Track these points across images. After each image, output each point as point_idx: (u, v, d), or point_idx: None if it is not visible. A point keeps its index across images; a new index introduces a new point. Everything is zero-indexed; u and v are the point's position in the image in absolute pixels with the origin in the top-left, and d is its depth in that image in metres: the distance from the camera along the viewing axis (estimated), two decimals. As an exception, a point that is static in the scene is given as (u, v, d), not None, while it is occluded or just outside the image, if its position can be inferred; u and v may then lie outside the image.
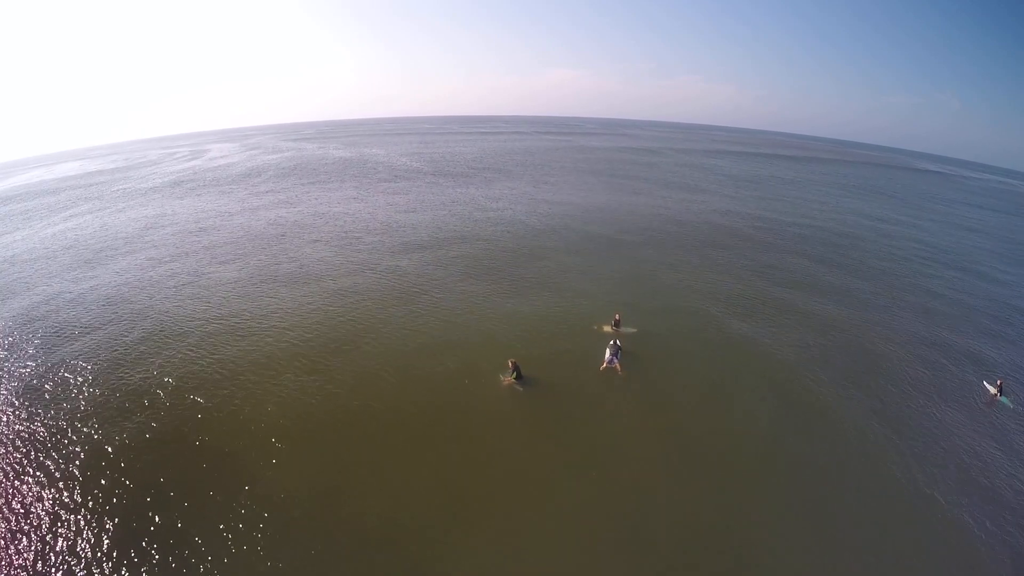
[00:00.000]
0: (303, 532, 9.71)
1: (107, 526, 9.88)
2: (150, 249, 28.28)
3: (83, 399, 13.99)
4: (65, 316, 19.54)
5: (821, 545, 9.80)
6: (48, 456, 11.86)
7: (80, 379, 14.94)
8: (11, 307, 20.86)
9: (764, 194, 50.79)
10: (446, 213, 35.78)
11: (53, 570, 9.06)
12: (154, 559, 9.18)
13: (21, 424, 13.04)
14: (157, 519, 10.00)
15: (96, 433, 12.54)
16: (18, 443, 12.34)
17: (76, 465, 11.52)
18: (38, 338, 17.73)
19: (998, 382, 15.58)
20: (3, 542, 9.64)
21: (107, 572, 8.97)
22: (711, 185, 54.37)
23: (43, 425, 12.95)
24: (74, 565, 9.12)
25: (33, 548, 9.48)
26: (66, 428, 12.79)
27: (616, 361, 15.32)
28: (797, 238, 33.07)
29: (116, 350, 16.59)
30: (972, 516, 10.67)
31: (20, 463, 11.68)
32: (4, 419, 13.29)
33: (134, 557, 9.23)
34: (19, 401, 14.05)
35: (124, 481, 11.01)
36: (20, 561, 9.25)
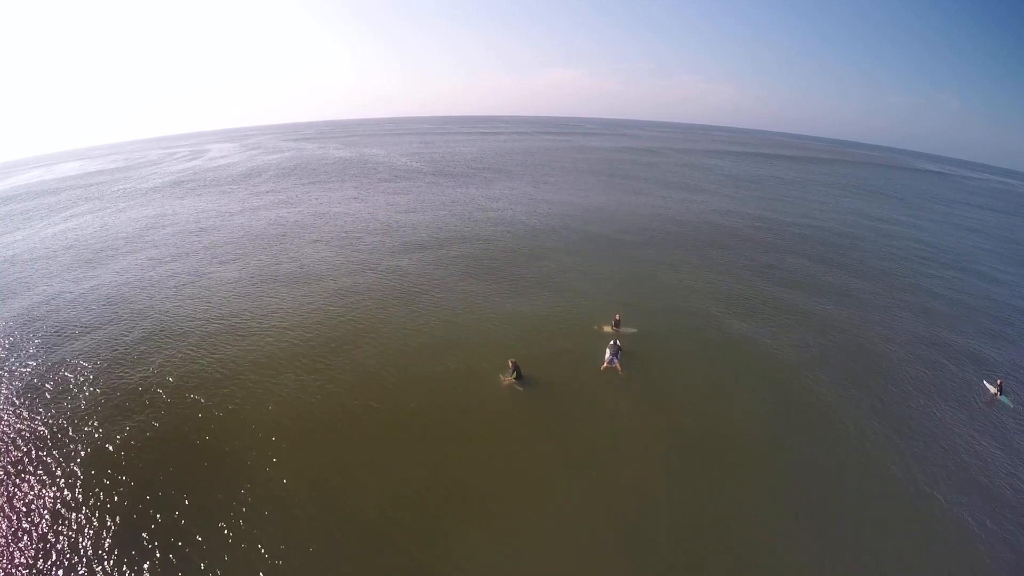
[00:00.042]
0: (303, 531, 9.72)
1: (108, 524, 9.89)
2: (150, 249, 28.30)
3: (84, 398, 14.00)
4: (66, 316, 19.56)
5: (821, 545, 9.80)
6: (49, 454, 11.88)
7: (81, 378, 14.96)
8: (12, 307, 20.88)
9: (764, 194, 50.81)
10: (446, 213, 35.80)
11: (55, 568, 9.07)
12: (155, 557, 9.19)
13: (22, 423, 13.06)
14: (158, 517, 10.01)
15: (97, 432, 12.56)
16: (19, 442, 12.35)
17: (77, 463, 11.54)
18: (39, 337, 17.74)
19: (998, 381, 15.59)
20: (5, 540, 9.66)
21: (108, 569, 8.99)
22: (711, 185, 54.39)
23: (44, 424, 12.97)
24: (75, 563, 9.14)
25: (34, 546, 9.50)
26: (67, 427, 12.81)
27: (616, 361, 15.33)
28: (797, 238, 33.09)
29: (116, 349, 16.61)
30: (972, 515, 10.68)
31: (21, 461, 11.70)
32: (5, 418, 13.30)
33: (135, 555, 9.24)
34: (20, 400, 14.07)
35: (125, 479, 11.02)
36: (22, 558, 9.26)
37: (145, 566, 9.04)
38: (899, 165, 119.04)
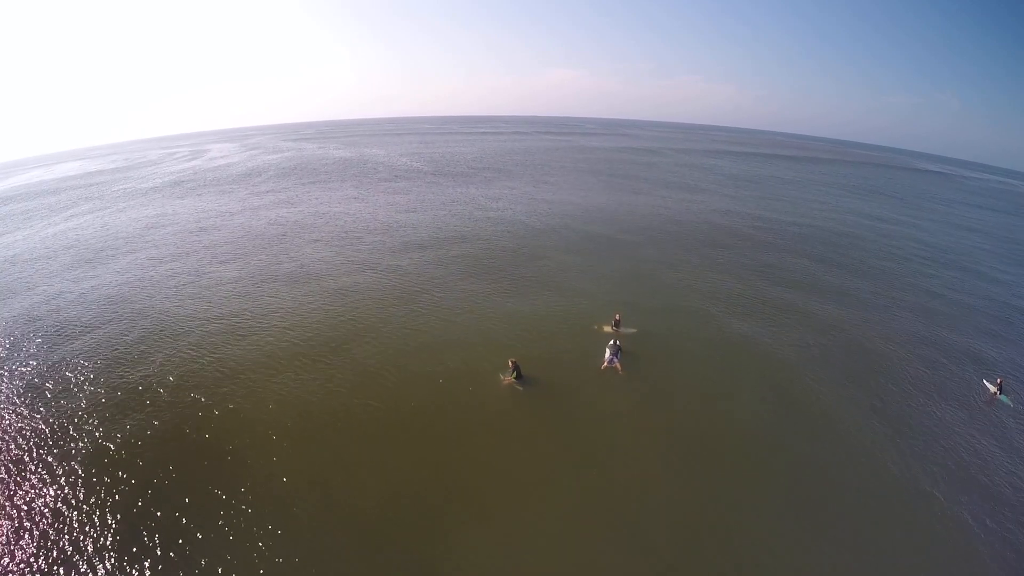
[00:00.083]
0: (303, 530, 9.73)
1: (108, 522, 9.90)
2: (151, 249, 28.31)
3: (84, 397, 14.02)
4: (66, 315, 19.57)
5: (821, 544, 9.81)
6: (50, 453, 11.89)
7: (81, 377, 14.97)
8: (12, 306, 20.89)
9: (764, 194, 50.82)
10: (446, 213, 35.81)
11: (56, 566, 9.08)
12: (155, 555, 9.20)
13: (23, 421, 13.07)
14: (158, 515, 10.02)
15: (97, 430, 12.57)
16: (20, 440, 12.37)
17: (78, 462, 11.55)
18: (39, 337, 17.76)
19: (998, 381, 15.60)
20: (6, 538, 9.68)
21: (109, 568, 9.00)
22: (711, 185, 54.40)
23: (44, 422, 12.98)
24: (76, 561, 9.15)
25: (35, 544, 9.51)
26: (67, 426, 12.82)
27: (616, 361, 15.34)
28: (797, 238, 33.10)
29: (117, 349, 16.62)
30: (972, 514, 10.69)
31: (22, 460, 11.71)
32: (6, 417, 13.32)
33: (136, 553, 9.25)
34: (21, 399, 14.08)
35: (125, 478, 11.03)
36: (23, 557, 9.28)
37: (146, 564, 9.05)
38: (899, 165, 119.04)
